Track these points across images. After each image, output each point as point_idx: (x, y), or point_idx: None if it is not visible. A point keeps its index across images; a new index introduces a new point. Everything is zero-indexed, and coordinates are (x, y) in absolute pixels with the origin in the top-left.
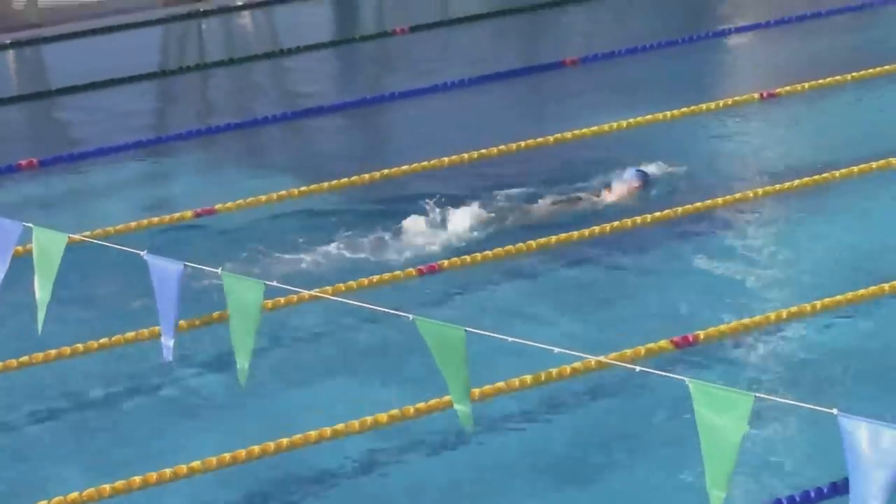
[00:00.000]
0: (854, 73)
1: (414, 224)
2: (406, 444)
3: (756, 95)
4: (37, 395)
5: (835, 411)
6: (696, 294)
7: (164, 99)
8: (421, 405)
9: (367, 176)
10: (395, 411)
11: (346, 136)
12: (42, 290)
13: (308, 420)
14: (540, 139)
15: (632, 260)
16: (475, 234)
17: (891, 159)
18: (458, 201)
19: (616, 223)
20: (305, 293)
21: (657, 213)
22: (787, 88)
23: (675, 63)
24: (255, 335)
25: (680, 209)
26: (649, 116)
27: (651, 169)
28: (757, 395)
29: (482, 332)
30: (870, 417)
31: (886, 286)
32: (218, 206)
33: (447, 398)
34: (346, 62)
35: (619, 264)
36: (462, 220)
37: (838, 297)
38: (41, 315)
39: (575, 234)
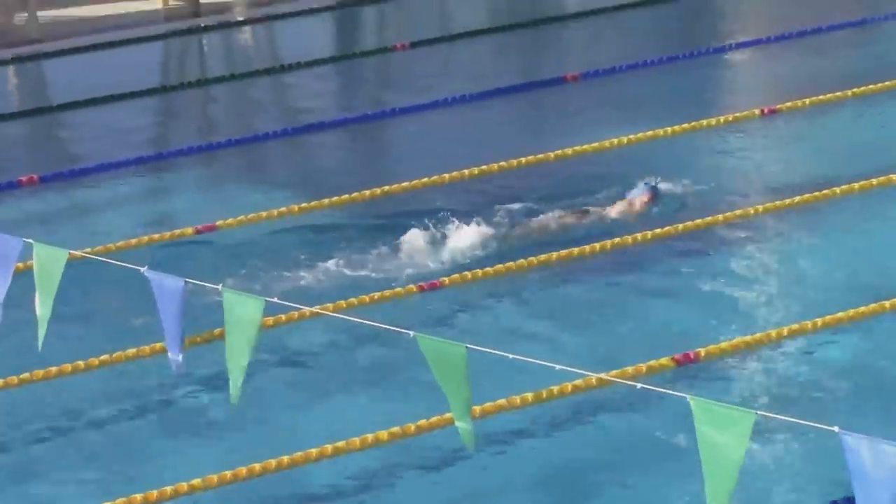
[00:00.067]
0: (855, 89)
1: (414, 240)
2: (407, 462)
3: (757, 111)
4: (37, 412)
5: (836, 429)
6: (697, 311)
7: (164, 115)
8: (422, 422)
9: (367, 192)
10: (395, 429)
11: (346, 151)
12: (42, 307)
13: (308, 437)
14: (541, 155)
15: (633, 277)
16: (476, 250)
17: (892, 175)
18: (459, 217)
19: (617, 240)
20: (306, 310)
21: (658, 230)
22: (788, 104)
23: (675, 79)
24: (252, 353)
25: (680, 226)
26: (650, 132)
27: (657, 184)
28: (758, 412)
29: (483, 348)
30: (871, 435)
31: (887, 303)
32: (219, 223)
33: (448, 415)
34: (346, 78)
35: (620, 281)
36: (463, 236)
37: (839, 315)
38: (42, 331)
39: (576, 250)
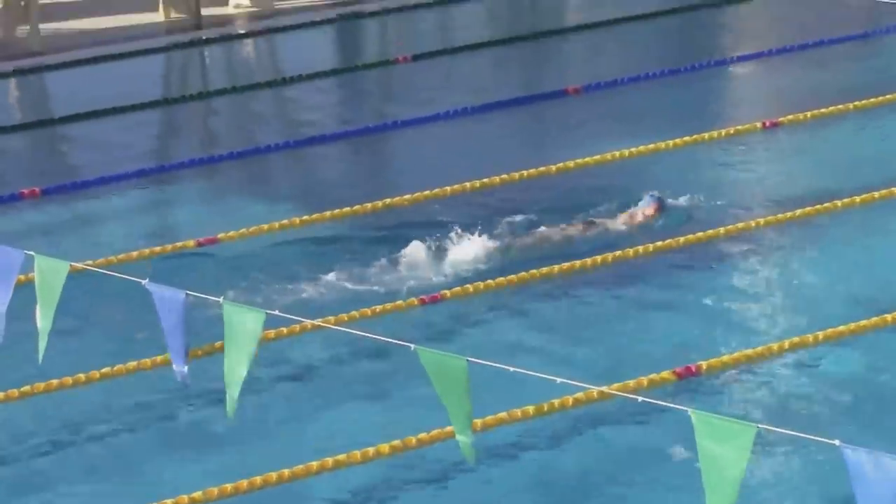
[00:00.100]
0: (856, 102)
1: (416, 253)
2: (408, 475)
3: (758, 124)
4: (38, 424)
5: (837, 442)
6: (698, 324)
7: (166, 127)
8: (423, 435)
9: (369, 205)
10: (396, 442)
11: (348, 164)
12: (43, 319)
13: (309, 450)
14: (542, 167)
15: (634, 290)
16: (478, 263)
17: (893, 188)
18: (460, 230)
19: (618, 253)
20: (308, 322)
21: (659, 243)
22: (790, 117)
23: (677, 92)
24: (250, 365)
25: (682, 239)
26: (652, 145)
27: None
28: (759, 425)
29: (484, 361)
30: (872, 448)
31: (889, 317)
32: (220, 235)
33: (449, 428)
34: (348, 90)
35: (622, 294)
36: (465, 249)
37: (840, 328)
38: (42, 344)
39: (577, 263)
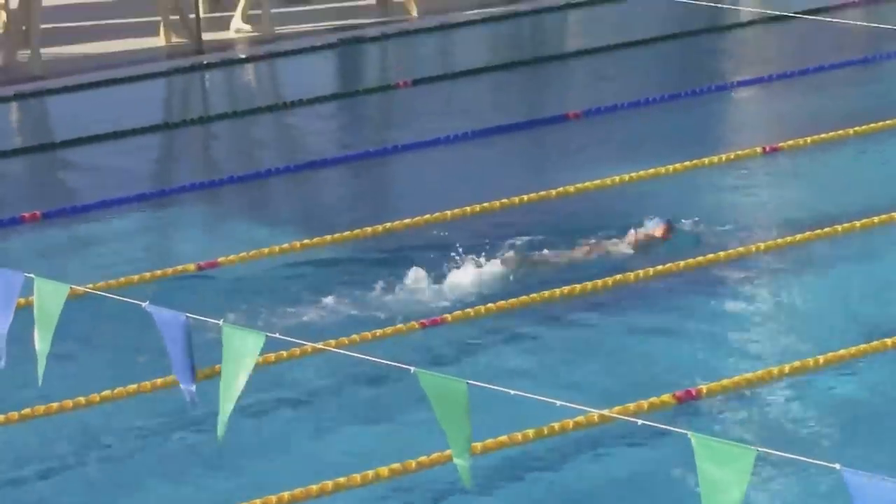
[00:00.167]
0: (856, 128)
1: (417, 277)
2: (407, 498)
3: (758, 149)
4: (39, 447)
5: (837, 466)
6: (699, 348)
7: (167, 152)
8: (423, 458)
9: (369, 229)
10: (396, 465)
11: (348, 188)
12: (42, 342)
13: (309, 473)
14: (542, 192)
15: (634, 313)
16: (478, 287)
17: (893, 213)
18: (461, 254)
19: (619, 277)
20: (308, 346)
21: (659, 267)
22: (790, 143)
23: (677, 117)
24: (244, 388)
25: (682, 263)
26: (652, 170)
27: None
28: (759, 449)
29: (484, 384)
30: (873, 472)
31: (889, 341)
32: (221, 259)
33: (449, 452)
34: (348, 115)
35: (622, 318)
36: (465, 273)
37: (841, 352)
38: (41, 366)
39: (577, 287)
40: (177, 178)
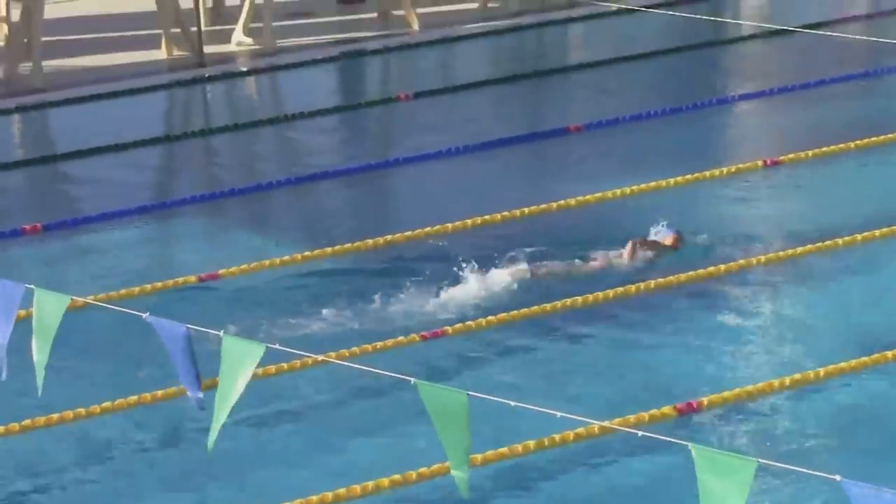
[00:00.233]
0: (857, 141)
1: (417, 289)
2: None
3: (760, 163)
4: (39, 458)
5: (838, 477)
6: (699, 360)
7: (168, 164)
8: (423, 470)
9: (370, 241)
10: (396, 476)
11: (349, 201)
12: (40, 353)
13: (309, 484)
14: (543, 205)
15: (635, 326)
16: (479, 299)
17: (894, 226)
18: (462, 267)
19: (620, 289)
20: (308, 357)
21: (660, 280)
22: (791, 156)
23: (678, 130)
24: (240, 399)
25: (683, 276)
26: (653, 183)
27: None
28: (759, 460)
29: (484, 396)
30: (874, 483)
31: (890, 354)
32: (222, 271)
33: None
34: (350, 128)
35: (623, 330)
36: (466, 285)
37: (842, 365)
38: (39, 377)
39: (579, 299)
40: (178, 190)
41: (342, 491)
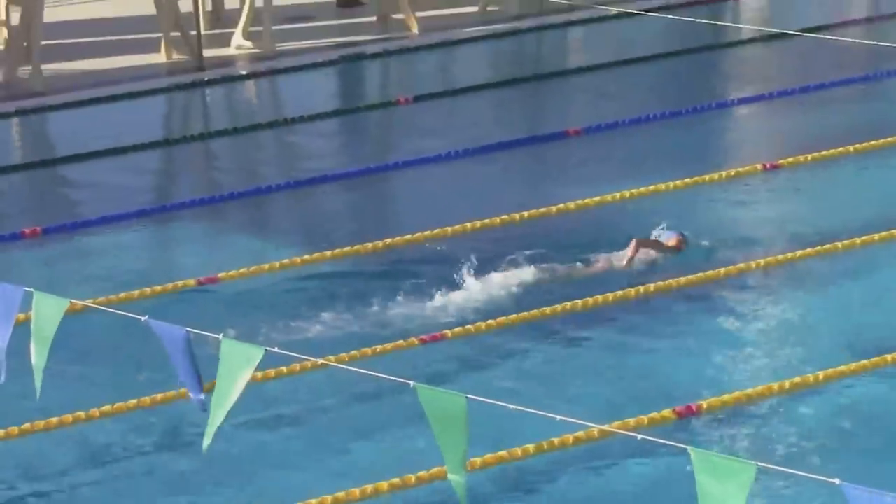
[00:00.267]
0: (857, 145)
1: (417, 293)
2: None
3: (759, 166)
4: (38, 462)
5: (837, 481)
6: (698, 364)
7: (167, 168)
8: (422, 473)
9: (370, 245)
10: (395, 480)
11: (349, 204)
12: (38, 356)
13: (307, 488)
14: (543, 209)
15: (634, 329)
16: (478, 303)
17: (894, 230)
18: (461, 270)
19: (619, 293)
20: (308, 361)
21: (660, 283)
22: (790, 160)
23: (678, 134)
24: (237, 402)
25: (683, 279)
26: (652, 187)
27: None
28: (759, 464)
29: (484, 399)
30: (873, 487)
31: (889, 357)
32: (221, 275)
33: None
34: (349, 131)
35: (622, 333)
36: (465, 289)
37: (841, 368)
38: (38, 381)
39: (579, 303)
40: (177, 193)
41: (341, 494)
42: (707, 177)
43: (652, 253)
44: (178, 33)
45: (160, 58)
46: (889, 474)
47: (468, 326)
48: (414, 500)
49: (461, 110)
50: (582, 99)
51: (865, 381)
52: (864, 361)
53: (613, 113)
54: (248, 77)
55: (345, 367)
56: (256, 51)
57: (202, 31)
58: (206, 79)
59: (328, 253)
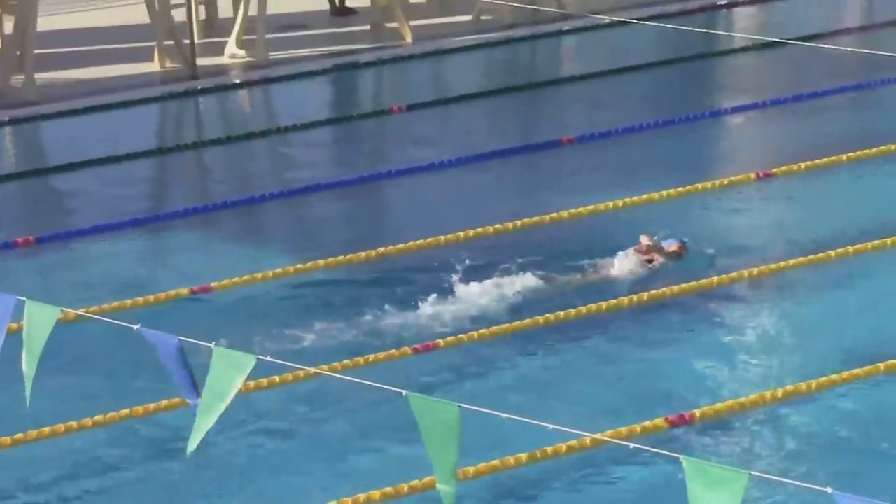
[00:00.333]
0: (850, 154)
1: (410, 302)
2: None
3: (752, 175)
4: (33, 472)
5: (829, 490)
6: (692, 372)
7: (161, 177)
8: (415, 483)
9: (363, 254)
10: (388, 489)
11: (342, 213)
12: (29, 365)
13: (301, 497)
14: (536, 218)
15: (627, 339)
16: (471, 312)
17: (886, 239)
18: (454, 279)
19: (612, 302)
20: (300, 370)
21: (653, 292)
22: (783, 168)
23: (671, 143)
24: (224, 411)
25: (676, 288)
26: (645, 195)
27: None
28: (751, 472)
29: (476, 408)
30: (864, 496)
31: (882, 365)
32: (214, 284)
33: None
34: (343, 140)
35: (615, 342)
36: (458, 298)
37: (833, 377)
38: (28, 389)
39: (573, 312)
40: (171, 202)
41: (333, 503)
42: (700, 185)
43: (655, 255)
44: (171, 42)
45: (153, 66)
46: (881, 482)
47: (461, 335)
48: None
49: (454, 119)
50: (575, 108)
51: (858, 390)
52: (857, 370)
53: (607, 122)
54: (241, 86)
55: (337, 375)
56: (250, 59)
57: (195, 40)
58: (199, 87)
59: (321, 262)
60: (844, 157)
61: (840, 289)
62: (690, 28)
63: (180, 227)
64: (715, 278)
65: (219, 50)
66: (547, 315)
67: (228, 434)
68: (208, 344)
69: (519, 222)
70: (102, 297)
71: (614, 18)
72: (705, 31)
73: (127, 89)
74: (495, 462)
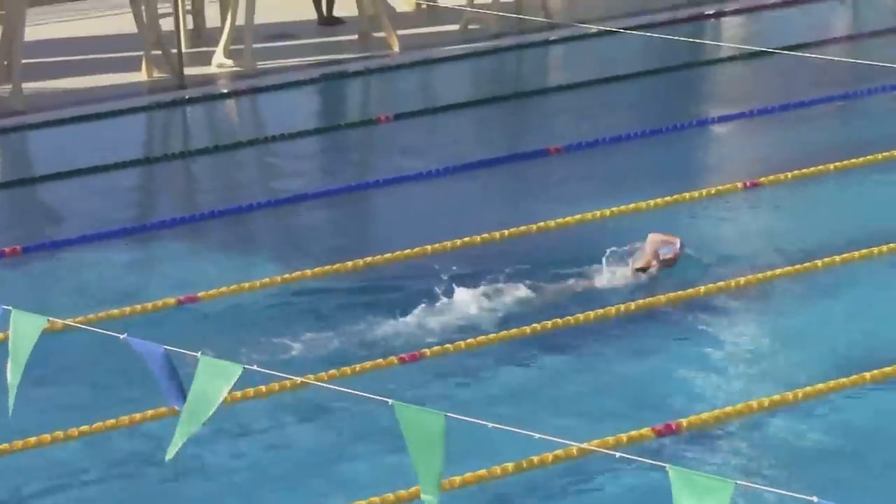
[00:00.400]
0: (837, 163)
1: (397, 311)
2: None
3: (739, 184)
4: (14, 483)
5: (815, 499)
6: (678, 382)
7: (148, 186)
8: (402, 492)
9: (350, 263)
10: (374, 499)
11: (329, 223)
12: (13, 375)
13: None
14: (523, 227)
15: (614, 347)
16: (458, 321)
17: (873, 248)
18: (441, 289)
19: (600, 311)
20: (286, 380)
21: (640, 301)
22: (771, 178)
23: (658, 152)
24: (209, 417)
25: (663, 297)
26: (633, 205)
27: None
28: (737, 482)
29: (462, 417)
30: None
31: (868, 375)
32: (201, 294)
33: None
34: (330, 150)
35: (602, 352)
36: (445, 307)
37: (820, 386)
38: (11, 399)
39: (560, 321)
40: (158, 212)
41: None
42: (688, 195)
43: (654, 263)
44: (159, 51)
45: (141, 76)
46: (867, 491)
47: (447, 345)
48: None
49: (442, 128)
50: (563, 117)
51: (845, 399)
52: (844, 379)
53: (594, 131)
54: (229, 95)
55: (324, 385)
56: (238, 69)
57: (183, 50)
58: (187, 97)
59: (308, 271)
60: (832, 166)
61: (827, 298)
62: (678, 38)
63: (167, 236)
64: (702, 287)
65: (206, 59)
66: (534, 324)
67: (215, 444)
68: (194, 353)
69: (506, 231)
70: (89, 306)
71: (602, 28)
72: (692, 40)
73: (114, 99)
74: (481, 472)
